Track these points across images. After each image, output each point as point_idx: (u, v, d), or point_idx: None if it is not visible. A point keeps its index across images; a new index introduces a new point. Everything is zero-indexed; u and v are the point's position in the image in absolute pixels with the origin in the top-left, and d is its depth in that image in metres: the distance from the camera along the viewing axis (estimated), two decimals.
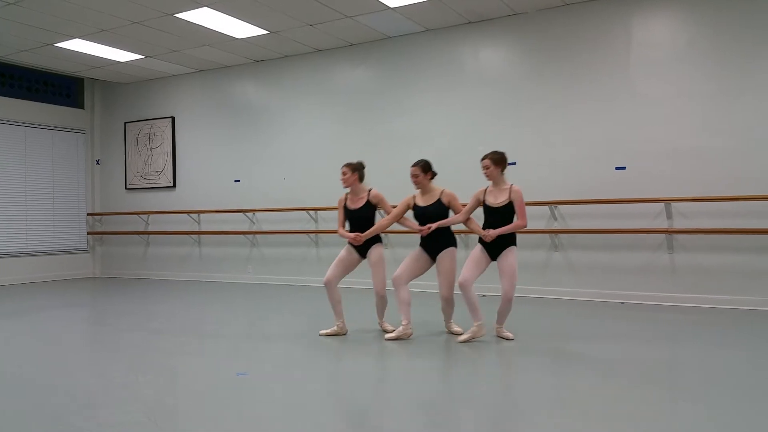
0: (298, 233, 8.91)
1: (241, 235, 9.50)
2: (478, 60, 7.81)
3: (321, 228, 8.79)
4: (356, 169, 5.11)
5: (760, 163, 6.27)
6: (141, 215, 10.50)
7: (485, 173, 4.83)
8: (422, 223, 4.96)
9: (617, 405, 3.27)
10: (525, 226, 4.71)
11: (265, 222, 9.36)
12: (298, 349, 4.69)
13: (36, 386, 3.77)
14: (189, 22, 7.55)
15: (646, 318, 5.90)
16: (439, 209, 4.93)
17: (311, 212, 8.82)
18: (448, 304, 5.04)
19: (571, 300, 7.02)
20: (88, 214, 10.92)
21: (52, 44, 8.51)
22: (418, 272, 5.01)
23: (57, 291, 8.77)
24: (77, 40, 8.30)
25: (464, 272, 4.72)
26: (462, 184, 7.80)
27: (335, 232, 5.53)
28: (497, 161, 4.82)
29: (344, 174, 5.10)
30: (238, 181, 9.60)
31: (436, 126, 7.99)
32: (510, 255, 4.72)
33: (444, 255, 4.91)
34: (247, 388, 3.71)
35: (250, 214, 9.44)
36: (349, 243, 5.08)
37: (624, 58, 6.92)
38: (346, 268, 5.11)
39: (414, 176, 4.99)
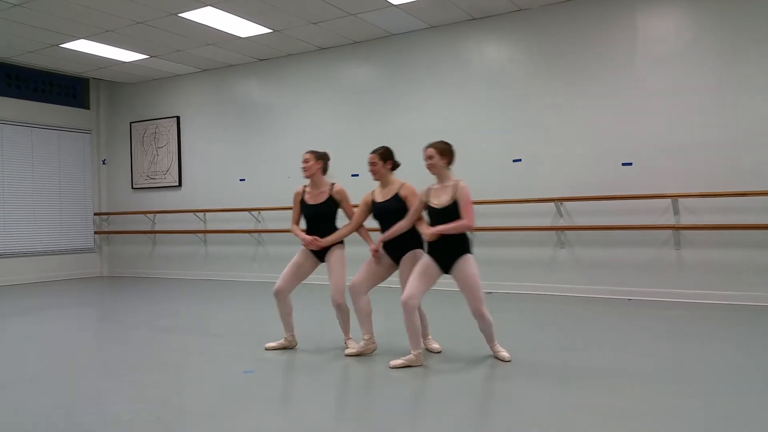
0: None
1: (247, 234, 9.52)
2: (482, 56, 7.79)
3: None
4: (320, 158, 4.55)
5: None
6: (147, 215, 10.54)
7: (427, 164, 4.11)
8: (380, 221, 4.36)
9: (623, 401, 3.26)
10: (471, 228, 3.98)
11: (271, 220, 9.37)
12: (304, 346, 4.69)
13: (44, 384, 3.79)
14: (193, 21, 7.56)
15: (653, 314, 5.88)
16: (397, 205, 4.27)
17: None
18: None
19: (577, 297, 7.00)
20: (95, 214, 10.96)
21: (57, 45, 8.54)
22: (378, 279, 4.38)
23: (65, 290, 8.81)
24: (82, 40, 8.33)
25: (408, 288, 3.97)
26: (467, 181, 7.80)
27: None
28: (444, 151, 4.10)
29: (306, 161, 4.51)
30: (244, 179, 9.62)
31: (440, 123, 7.97)
32: (465, 265, 3.98)
33: (406, 259, 4.25)
34: (253, 385, 3.72)
35: (255, 213, 9.45)
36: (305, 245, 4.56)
37: (629, 53, 6.89)
38: (301, 276, 4.60)
39: (371, 164, 4.37)
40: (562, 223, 7.26)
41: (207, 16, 7.41)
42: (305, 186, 4.66)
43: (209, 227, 9.97)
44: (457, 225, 3.95)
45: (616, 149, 6.95)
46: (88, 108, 10.91)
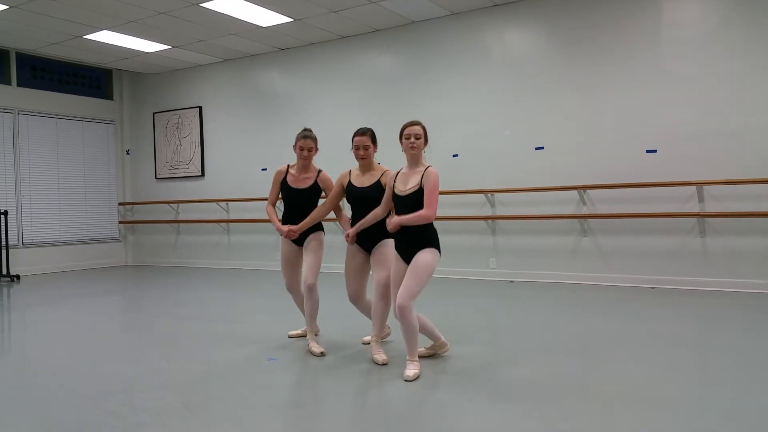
0: (325, 221, 8.93)
1: (269, 223, 9.57)
2: (503, 43, 7.71)
3: (348, 216, 8.82)
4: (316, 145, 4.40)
5: None
6: (171, 204, 10.66)
7: (411, 143, 3.73)
8: (354, 208, 4.10)
9: (646, 390, 3.24)
10: (430, 219, 3.60)
11: None
12: (327, 333, 4.72)
13: (71, 372, 3.87)
14: (214, 11, 7.59)
15: (677, 303, 5.81)
16: (379, 193, 3.97)
17: None
18: (384, 305, 3.96)
19: (601, 285, 6.95)
20: (120, 204, 11.12)
21: (81, 36, 8.64)
22: (365, 276, 4.19)
23: (90, 279, 8.97)
24: (105, 31, 8.41)
25: (398, 296, 3.57)
26: (488, 169, 7.77)
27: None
28: (426, 134, 3.83)
29: (309, 150, 4.34)
30: (265, 169, 9.67)
31: (462, 111, 7.93)
32: (424, 252, 3.59)
33: (379, 248, 4.01)
34: (277, 372, 3.76)
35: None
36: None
37: (654, 37, 6.77)
38: (295, 264, 4.46)
39: (365, 148, 4.05)
40: (585, 211, 7.20)
41: (228, 6, 7.43)
42: (289, 165, 4.50)
43: (232, 216, 10.06)
44: (416, 216, 3.58)
45: (640, 136, 6.86)
46: (111, 99, 11.04)
